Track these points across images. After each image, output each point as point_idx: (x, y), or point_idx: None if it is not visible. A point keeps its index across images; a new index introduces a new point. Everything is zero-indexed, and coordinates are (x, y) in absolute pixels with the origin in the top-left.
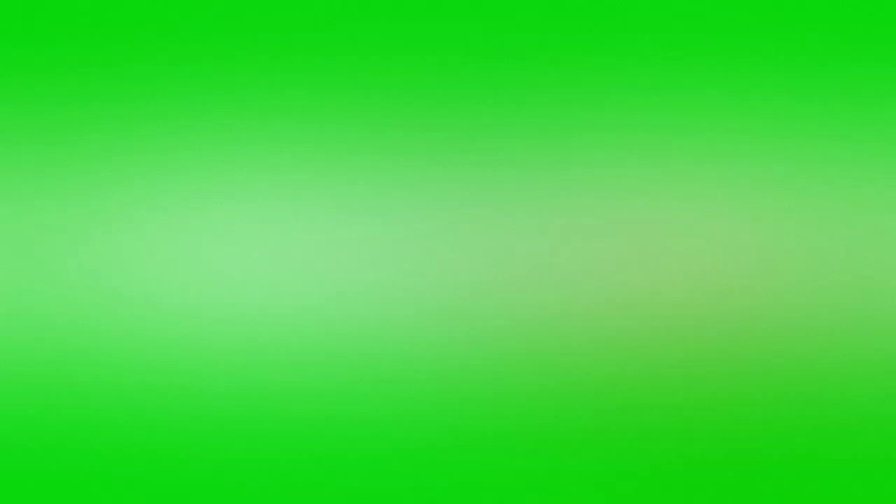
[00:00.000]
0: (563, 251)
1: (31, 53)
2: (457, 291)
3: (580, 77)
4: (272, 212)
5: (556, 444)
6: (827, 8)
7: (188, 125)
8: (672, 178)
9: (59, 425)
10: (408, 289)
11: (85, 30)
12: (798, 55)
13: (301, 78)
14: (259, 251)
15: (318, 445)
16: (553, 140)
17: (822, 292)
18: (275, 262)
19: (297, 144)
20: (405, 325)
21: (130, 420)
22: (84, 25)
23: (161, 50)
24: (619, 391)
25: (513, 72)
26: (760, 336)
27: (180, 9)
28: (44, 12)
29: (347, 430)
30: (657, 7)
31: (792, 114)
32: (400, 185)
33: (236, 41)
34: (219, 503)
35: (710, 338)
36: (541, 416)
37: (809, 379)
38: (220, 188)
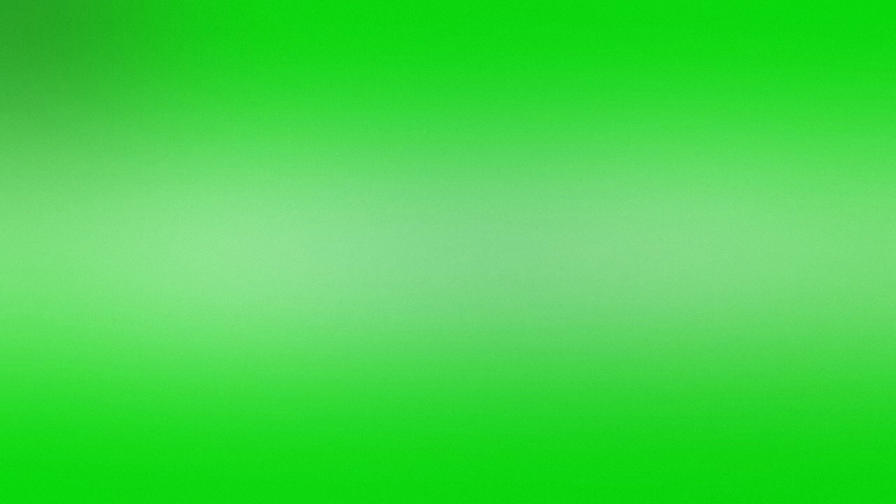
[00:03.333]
0: (562, 252)
1: (32, 54)
2: (455, 292)
3: (578, 80)
4: (272, 214)
5: (555, 445)
6: (827, 8)
7: (189, 129)
8: (672, 180)
9: (58, 425)
10: (407, 290)
11: (89, 31)
12: (799, 56)
13: (300, 79)
14: (258, 253)
15: (318, 446)
16: (552, 141)
17: (823, 292)
18: (273, 263)
19: (296, 146)
20: (404, 325)
21: (130, 420)
22: (88, 26)
23: (164, 53)
24: (620, 391)
25: (510, 75)
26: (760, 336)
27: (187, 11)
28: (49, 15)
29: (346, 431)
30: (655, 9)
31: (794, 114)
32: (400, 186)
33: (236, 44)
34: (221, 502)
35: (710, 338)
36: (539, 415)
37: (810, 379)
38: (219, 188)
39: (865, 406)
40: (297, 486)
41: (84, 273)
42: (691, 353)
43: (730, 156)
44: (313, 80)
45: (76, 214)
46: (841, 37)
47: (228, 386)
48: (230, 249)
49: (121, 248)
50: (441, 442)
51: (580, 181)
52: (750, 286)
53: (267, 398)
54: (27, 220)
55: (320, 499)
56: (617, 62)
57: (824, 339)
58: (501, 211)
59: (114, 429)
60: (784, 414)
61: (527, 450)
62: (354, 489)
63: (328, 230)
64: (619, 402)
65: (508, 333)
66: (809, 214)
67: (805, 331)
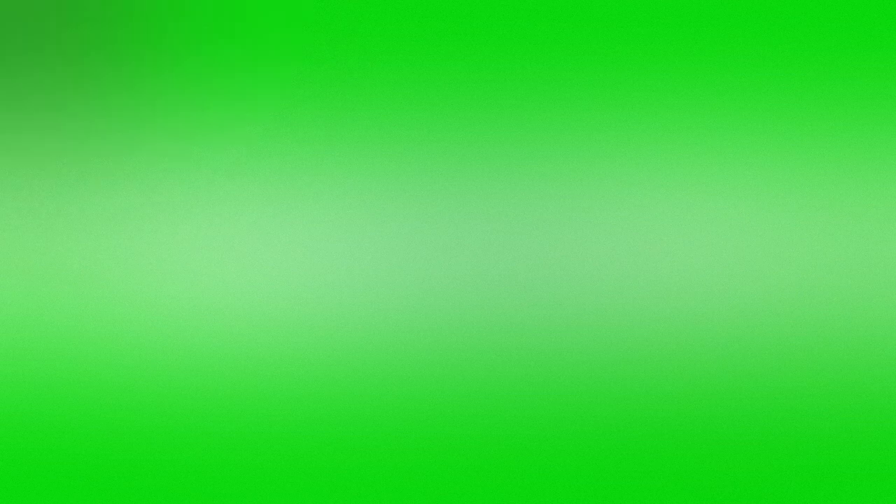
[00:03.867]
0: (562, 252)
1: (32, 54)
2: (455, 292)
3: (578, 80)
4: (272, 214)
5: (555, 445)
6: (827, 8)
7: (189, 129)
8: (672, 180)
9: (58, 425)
10: (407, 290)
11: (89, 31)
12: (799, 56)
13: (300, 79)
14: (258, 253)
15: (318, 445)
16: (552, 141)
17: (823, 292)
18: (273, 263)
19: (296, 146)
20: (404, 325)
21: (130, 420)
22: (88, 26)
23: (164, 53)
24: (620, 391)
25: (510, 75)
26: (760, 336)
27: (187, 11)
28: (49, 14)
29: (346, 431)
30: (655, 9)
31: (794, 114)
32: (400, 186)
33: (236, 44)
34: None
35: (710, 338)
36: (539, 415)
37: (810, 379)
38: (219, 188)
39: (865, 406)
40: (297, 486)
41: (84, 273)
42: (691, 353)
43: (730, 156)
44: (313, 80)
45: (76, 214)
46: (841, 37)
47: (228, 386)
48: (230, 249)
49: (121, 248)
50: (441, 442)
51: (580, 181)
52: (750, 286)
53: (267, 398)
54: (27, 220)
55: (320, 499)
56: (617, 62)
57: (824, 339)
58: (501, 211)
59: (114, 429)
60: (784, 414)
61: (527, 450)
62: (354, 489)
63: (328, 230)
64: (619, 402)
65: (508, 333)
66: (809, 214)
67: (805, 331)
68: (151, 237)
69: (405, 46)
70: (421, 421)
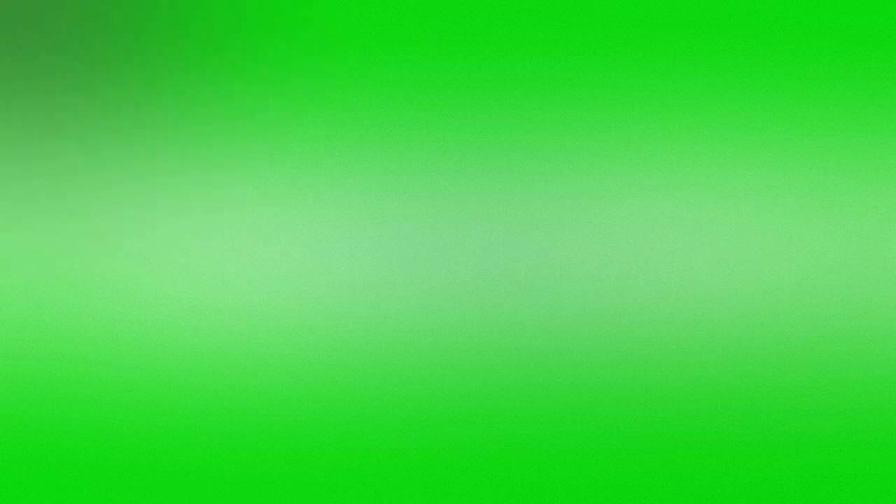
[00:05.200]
0: (562, 252)
1: (31, 53)
2: (455, 292)
3: (578, 80)
4: (272, 214)
5: (555, 445)
6: (827, 8)
7: (189, 128)
8: (672, 180)
9: (58, 425)
10: (407, 290)
11: (88, 30)
12: (799, 56)
13: (300, 79)
14: (258, 253)
15: (318, 445)
16: (552, 141)
17: (823, 292)
18: (273, 263)
19: (296, 146)
20: (404, 325)
21: (130, 420)
22: (88, 25)
23: (164, 53)
24: (620, 391)
25: (510, 75)
26: (760, 336)
27: (187, 11)
28: (48, 14)
29: (346, 431)
30: (655, 9)
31: (794, 114)
32: (400, 186)
33: (236, 44)
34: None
35: (710, 338)
36: (539, 415)
37: (810, 379)
38: (219, 188)
39: (865, 406)
40: (297, 485)
41: (84, 273)
42: (691, 353)
43: (730, 156)
44: (313, 80)
45: (75, 214)
46: (841, 37)
47: (228, 386)
48: (230, 249)
49: (120, 247)
50: (441, 442)
51: (580, 181)
52: (750, 286)
53: (267, 398)
54: (27, 219)
55: (320, 499)
56: (617, 62)
57: (824, 339)
58: (501, 211)
59: (114, 429)
60: (784, 414)
61: (527, 450)
62: (354, 489)
63: (328, 230)
64: (619, 402)
65: (508, 333)
66: (809, 214)
67: (805, 331)
68: (151, 237)
69: (405, 46)
70: (421, 421)
